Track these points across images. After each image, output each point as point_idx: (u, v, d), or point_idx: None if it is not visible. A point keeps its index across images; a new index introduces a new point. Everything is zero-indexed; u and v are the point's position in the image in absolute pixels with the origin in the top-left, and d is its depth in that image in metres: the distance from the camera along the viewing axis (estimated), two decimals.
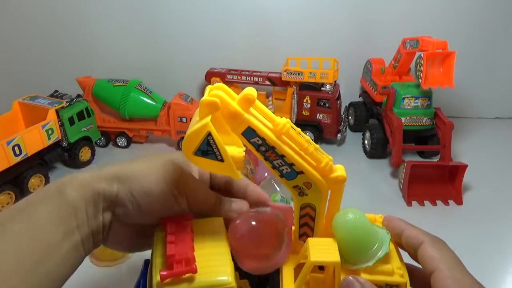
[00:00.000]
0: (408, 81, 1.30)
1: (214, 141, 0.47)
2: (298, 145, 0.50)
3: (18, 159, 1.04)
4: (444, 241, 0.47)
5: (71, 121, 1.19)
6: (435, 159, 1.25)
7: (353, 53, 1.49)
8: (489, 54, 1.51)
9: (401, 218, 0.52)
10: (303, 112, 1.34)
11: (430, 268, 0.44)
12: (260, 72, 1.44)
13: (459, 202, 1.07)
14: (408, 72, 1.38)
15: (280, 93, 1.45)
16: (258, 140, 0.49)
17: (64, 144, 1.19)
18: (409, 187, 1.07)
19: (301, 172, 0.50)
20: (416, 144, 1.28)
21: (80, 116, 1.22)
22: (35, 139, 1.08)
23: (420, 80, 1.14)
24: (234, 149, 0.51)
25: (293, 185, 0.52)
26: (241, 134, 0.49)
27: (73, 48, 1.51)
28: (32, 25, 1.46)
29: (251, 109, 0.49)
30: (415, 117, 1.22)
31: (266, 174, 1.06)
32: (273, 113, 0.51)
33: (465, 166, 1.05)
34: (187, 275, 0.45)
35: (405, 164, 1.08)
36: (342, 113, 1.42)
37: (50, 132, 1.12)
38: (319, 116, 1.33)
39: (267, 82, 1.41)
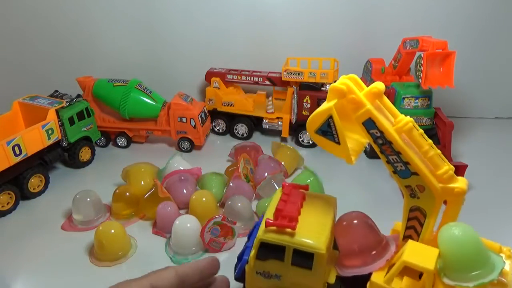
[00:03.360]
0: (408, 81, 1.30)
1: (334, 124, 0.52)
2: (418, 146, 0.50)
3: (18, 159, 1.04)
4: None
5: (71, 121, 1.19)
6: None
7: (353, 53, 1.48)
8: (489, 54, 1.51)
9: None
10: (303, 112, 1.34)
11: None
12: (260, 72, 1.44)
13: None
14: (408, 72, 1.37)
15: (280, 93, 1.45)
16: (376, 132, 0.51)
17: (64, 144, 1.19)
18: None
19: (416, 174, 0.50)
20: None
21: (80, 116, 1.22)
22: (35, 139, 1.08)
23: (420, 80, 1.14)
24: (359, 137, 0.55)
25: (406, 185, 0.52)
26: (362, 123, 0.52)
27: (73, 48, 1.51)
28: (32, 25, 1.46)
29: (378, 102, 0.52)
30: (415, 117, 1.21)
31: (266, 174, 1.06)
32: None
33: (465, 166, 1.05)
34: (287, 229, 0.53)
35: None
36: None
37: (50, 132, 1.12)
38: None
39: (267, 82, 1.41)
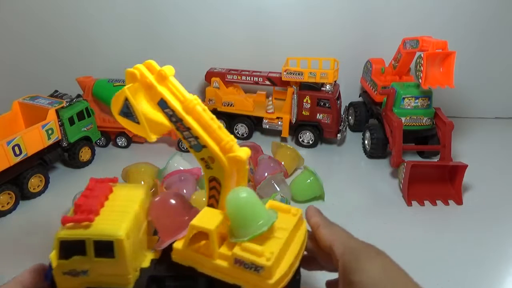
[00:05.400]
0: (408, 81, 1.30)
1: (131, 105, 0.58)
2: (202, 121, 0.58)
3: (18, 159, 1.03)
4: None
5: (71, 121, 1.19)
6: (435, 159, 1.25)
7: (353, 53, 1.49)
8: (489, 55, 1.51)
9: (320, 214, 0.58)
10: (303, 112, 1.34)
11: (328, 242, 0.52)
12: (260, 72, 1.44)
13: (459, 202, 1.07)
14: (408, 72, 1.38)
15: (280, 93, 1.45)
16: (169, 111, 0.58)
17: (64, 144, 1.19)
18: (409, 187, 1.07)
19: (205, 146, 0.57)
20: (416, 144, 1.28)
21: (80, 116, 1.22)
22: (35, 139, 1.08)
23: (420, 80, 1.14)
24: (162, 117, 0.59)
25: (200, 157, 0.58)
26: (157, 104, 0.58)
27: (73, 48, 1.51)
28: (32, 25, 1.46)
29: (169, 84, 0.58)
30: (415, 117, 1.22)
31: (266, 174, 1.06)
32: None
33: (465, 166, 1.05)
34: (85, 223, 0.53)
35: (405, 164, 1.08)
36: (342, 113, 1.42)
37: (50, 132, 1.12)
38: (319, 116, 1.33)
39: (267, 82, 1.41)
